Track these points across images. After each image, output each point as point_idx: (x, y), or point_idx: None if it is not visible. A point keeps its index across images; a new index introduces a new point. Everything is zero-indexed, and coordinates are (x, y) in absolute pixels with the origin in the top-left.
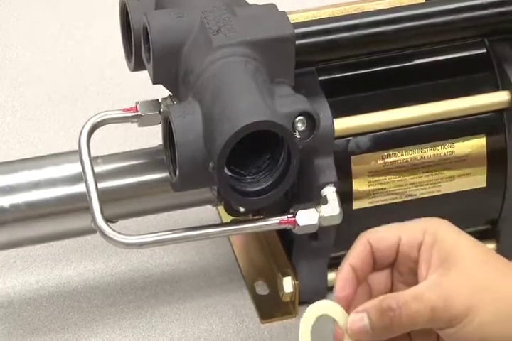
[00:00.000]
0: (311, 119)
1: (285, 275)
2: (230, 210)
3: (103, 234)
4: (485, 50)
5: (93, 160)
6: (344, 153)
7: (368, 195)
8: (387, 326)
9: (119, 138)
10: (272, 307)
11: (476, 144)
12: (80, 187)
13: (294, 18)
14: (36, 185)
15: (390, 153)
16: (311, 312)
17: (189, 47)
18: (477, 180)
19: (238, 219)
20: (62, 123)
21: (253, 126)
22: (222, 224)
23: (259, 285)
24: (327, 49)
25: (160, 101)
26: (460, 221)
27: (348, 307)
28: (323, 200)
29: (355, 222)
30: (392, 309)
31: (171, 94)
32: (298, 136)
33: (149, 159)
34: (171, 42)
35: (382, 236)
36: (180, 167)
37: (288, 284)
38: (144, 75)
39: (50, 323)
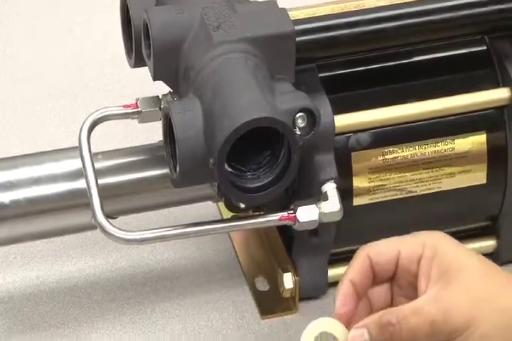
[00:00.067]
0: (311, 116)
1: (285, 271)
2: (230, 206)
3: (103, 230)
4: (485, 47)
5: (93, 156)
6: (344, 150)
7: (368, 191)
8: None
9: (119, 135)
10: (272, 303)
11: (476, 141)
12: (81, 183)
13: (294, 15)
14: (37, 181)
15: (391, 149)
16: (312, 330)
17: (189, 43)
18: (477, 176)
19: (238, 215)
20: (62, 119)
21: (253, 122)
22: (222, 220)
23: (260, 281)
24: (327, 46)
25: (160, 97)
26: (460, 217)
27: (349, 323)
28: (324, 196)
29: (355, 218)
30: (391, 324)
31: (172, 90)
32: (298, 133)
33: (150, 155)
34: (171, 38)
35: (382, 250)
36: (180, 163)
37: (288, 280)
38: (145, 71)
39: (50, 319)
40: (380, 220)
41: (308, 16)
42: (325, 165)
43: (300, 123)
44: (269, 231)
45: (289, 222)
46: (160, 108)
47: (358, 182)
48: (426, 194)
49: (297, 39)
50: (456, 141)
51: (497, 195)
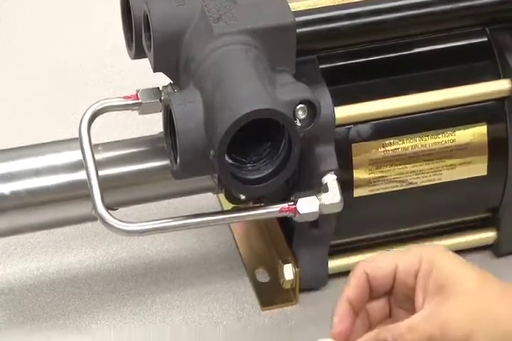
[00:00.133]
0: (311, 107)
1: (286, 262)
2: (230, 198)
3: (104, 222)
4: (486, 39)
5: (94, 147)
6: (345, 141)
7: (368, 182)
8: None
9: (119, 126)
10: (273, 295)
11: (477, 132)
12: (81, 175)
13: (294, 7)
14: (37, 173)
15: (391, 141)
16: None
17: (190, 35)
18: (478, 168)
19: (239, 206)
20: (62, 110)
21: (254, 114)
22: (222, 212)
23: (260, 272)
24: (328, 37)
25: (161, 89)
26: (461, 209)
27: (346, 340)
28: (324, 188)
29: (355, 209)
30: None
31: (172, 82)
32: (299, 124)
33: (150, 147)
34: (171, 30)
35: (379, 265)
36: (181, 155)
37: (288, 271)
38: (145, 63)
39: (50, 310)
40: (381, 212)
41: (308, 8)
42: (325, 157)
43: (300, 114)
44: (270, 223)
45: (289, 214)
46: (160, 99)
47: (359, 174)
48: (426, 185)
49: (298, 30)
50: (457, 132)
51: (497, 187)
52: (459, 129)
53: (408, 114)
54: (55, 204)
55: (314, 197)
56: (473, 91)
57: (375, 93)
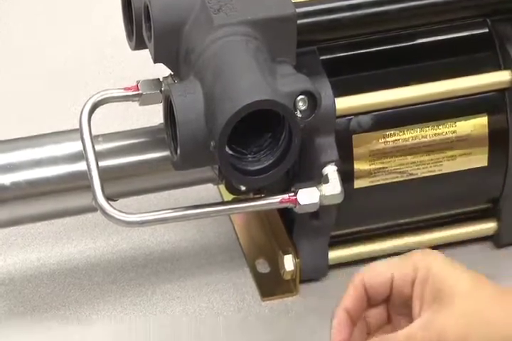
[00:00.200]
0: (312, 98)
1: (286, 253)
2: (231, 189)
3: (104, 212)
4: (487, 30)
5: (94, 138)
6: (346, 132)
7: (369, 174)
8: None
9: (120, 117)
10: (273, 285)
11: (477, 123)
12: (81, 166)
13: None
14: (37, 163)
15: (392, 132)
16: None
17: (190, 26)
18: (479, 159)
19: (239, 197)
20: (63, 101)
21: (254, 105)
22: (223, 203)
23: (260, 263)
24: (329, 28)
25: (161, 80)
26: (461, 200)
27: None
28: (325, 179)
29: (356, 200)
30: None
31: (172, 73)
32: (299, 115)
33: (150, 138)
34: (172, 20)
35: (375, 274)
36: (181, 146)
37: (289, 262)
38: (145, 54)
39: (51, 300)
40: (381, 203)
41: None
42: (326, 148)
43: (301, 105)
44: (270, 214)
45: (289, 205)
46: (161, 90)
47: (359, 165)
48: (427, 176)
49: (298, 22)
50: (458, 123)
51: (498, 178)
52: (460, 120)
53: (409, 105)
54: (55, 195)
55: (315, 188)
56: (474, 83)
57: (375, 84)
